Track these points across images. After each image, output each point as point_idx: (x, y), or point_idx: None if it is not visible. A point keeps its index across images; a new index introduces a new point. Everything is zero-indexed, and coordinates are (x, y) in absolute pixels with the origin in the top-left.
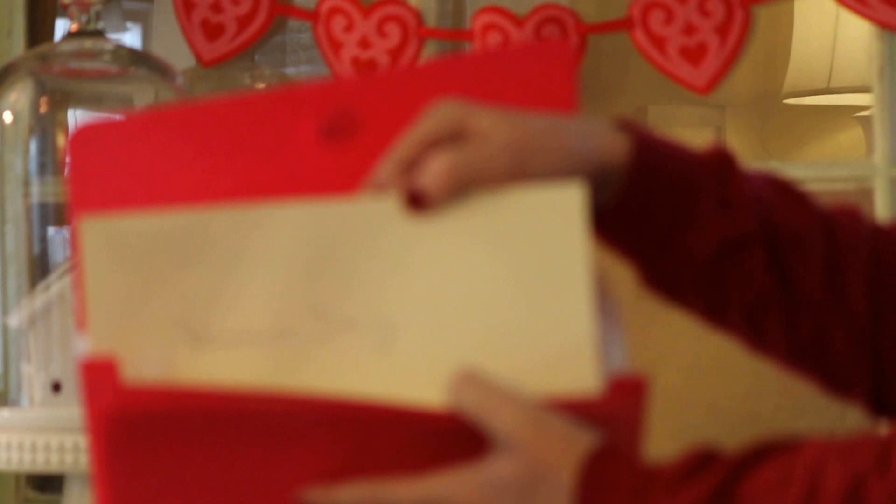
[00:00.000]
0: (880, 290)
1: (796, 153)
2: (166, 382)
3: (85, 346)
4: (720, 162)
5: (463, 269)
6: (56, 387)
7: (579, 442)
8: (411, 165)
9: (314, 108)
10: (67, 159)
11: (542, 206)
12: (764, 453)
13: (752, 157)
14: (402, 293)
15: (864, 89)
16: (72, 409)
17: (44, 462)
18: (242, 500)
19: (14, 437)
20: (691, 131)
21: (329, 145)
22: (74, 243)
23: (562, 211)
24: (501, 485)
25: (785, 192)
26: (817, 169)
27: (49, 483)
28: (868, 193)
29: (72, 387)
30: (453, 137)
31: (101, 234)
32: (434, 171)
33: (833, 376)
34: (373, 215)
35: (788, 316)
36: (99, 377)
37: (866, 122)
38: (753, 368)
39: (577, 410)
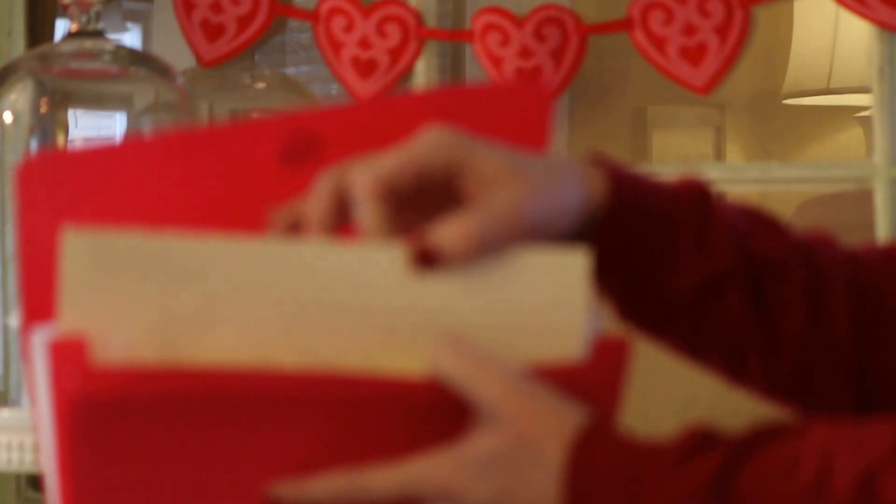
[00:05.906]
0: (863, 316)
1: (796, 153)
2: (137, 364)
3: (45, 338)
4: (696, 197)
5: (458, 326)
6: None
7: (569, 417)
8: (397, 193)
9: (273, 132)
10: (15, 193)
11: (547, 270)
12: (767, 436)
13: (752, 157)
14: (392, 342)
15: (863, 90)
16: None
17: None
18: (214, 493)
19: (14, 437)
20: (691, 131)
21: (288, 166)
22: (24, 278)
23: (566, 276)
24: (484, 461)
25: (761, 223)
26: (817, 169)
27: None
28: (868, 194)
29: None
30: (449, 172)
31: (84, 245)
32: (454, 234)
33: (816, 404)
34: (376, 264)
35: (769, 351)
36: (66, 358)
37: (866, 123)
38: None
39: (562, 375)
